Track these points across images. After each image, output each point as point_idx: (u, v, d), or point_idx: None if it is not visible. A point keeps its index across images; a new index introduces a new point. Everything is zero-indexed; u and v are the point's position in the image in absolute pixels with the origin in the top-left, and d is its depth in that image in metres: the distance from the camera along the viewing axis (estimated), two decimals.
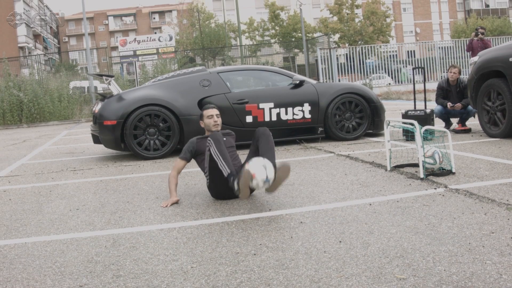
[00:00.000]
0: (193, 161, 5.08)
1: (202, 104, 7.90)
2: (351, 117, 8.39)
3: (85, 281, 2.89)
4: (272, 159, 4.34)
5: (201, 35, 50.92)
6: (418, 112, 8.23)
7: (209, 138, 4.53)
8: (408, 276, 2.65)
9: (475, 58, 8.13)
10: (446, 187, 4.60)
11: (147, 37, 37.36)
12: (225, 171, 4.35)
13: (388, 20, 49.88)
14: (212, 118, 4.99)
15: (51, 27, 72.59)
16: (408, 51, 32.32)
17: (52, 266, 3.18)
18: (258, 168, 4.06)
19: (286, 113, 8.17)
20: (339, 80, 24.28)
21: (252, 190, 4.34)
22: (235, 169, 4.48)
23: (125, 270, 3.03)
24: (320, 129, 8.32)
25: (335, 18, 50.11)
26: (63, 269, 3.11)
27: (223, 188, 4.60)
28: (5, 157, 9.47)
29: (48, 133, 15.35)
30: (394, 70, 26.58)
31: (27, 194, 5.66)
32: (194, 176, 6.02)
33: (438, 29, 70.33)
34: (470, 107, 8.48)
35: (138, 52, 35.14)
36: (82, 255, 3.35)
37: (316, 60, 25.97)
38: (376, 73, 26.77)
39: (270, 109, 8.11)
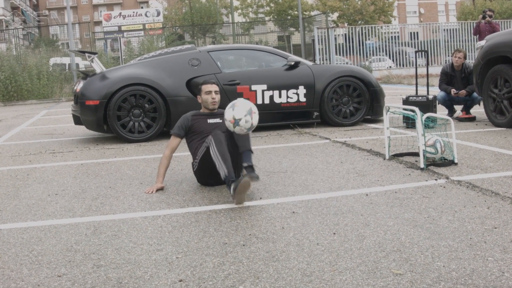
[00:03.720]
0: (181, 145, 5.07)
1: (190, 84, 7.89)
2: (348, 101, 8.39)
3: (63, 270, 2.90)
4: (246, 142, 4.42)
5: (191, 11, 50.58)
6: (420, 98, 8.23)
7: (210, 137, 4.42)
8: (405, 271, 2.66)
9: (482, 42, 8.12)
10: (447, 178, 4.62)
11: (133, 12, 36.98)
12: (223, 172, 4.24)
13: None
14: (210, 94, 4.93)
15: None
16: (411, 33, 32.29)
17: (29, 254, 3.18)
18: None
19: (280, 96, 8.16)
20: (337, 62, 24.24)
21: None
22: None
23: (106, 259, 3.03)
24: (316, 113, 8.32)
25: None
26: (41, 258, 3.11)
27: (211, 177, 4.66)
28: None
29: (26, 112, 15.27)
30: (396, 52, 26.54)
31: (2, 177, 5.64)
32: (181, 161, 6.02)
33: (443, 10, 70.13)
34: (475, 94, 8.48)
35: (123, 28, 34.80)
36: (60, 243, 3.35)
37: (313, 40, 25.86)
38: (376, 55, 26.72)
39: (263, 91, 8.10)
